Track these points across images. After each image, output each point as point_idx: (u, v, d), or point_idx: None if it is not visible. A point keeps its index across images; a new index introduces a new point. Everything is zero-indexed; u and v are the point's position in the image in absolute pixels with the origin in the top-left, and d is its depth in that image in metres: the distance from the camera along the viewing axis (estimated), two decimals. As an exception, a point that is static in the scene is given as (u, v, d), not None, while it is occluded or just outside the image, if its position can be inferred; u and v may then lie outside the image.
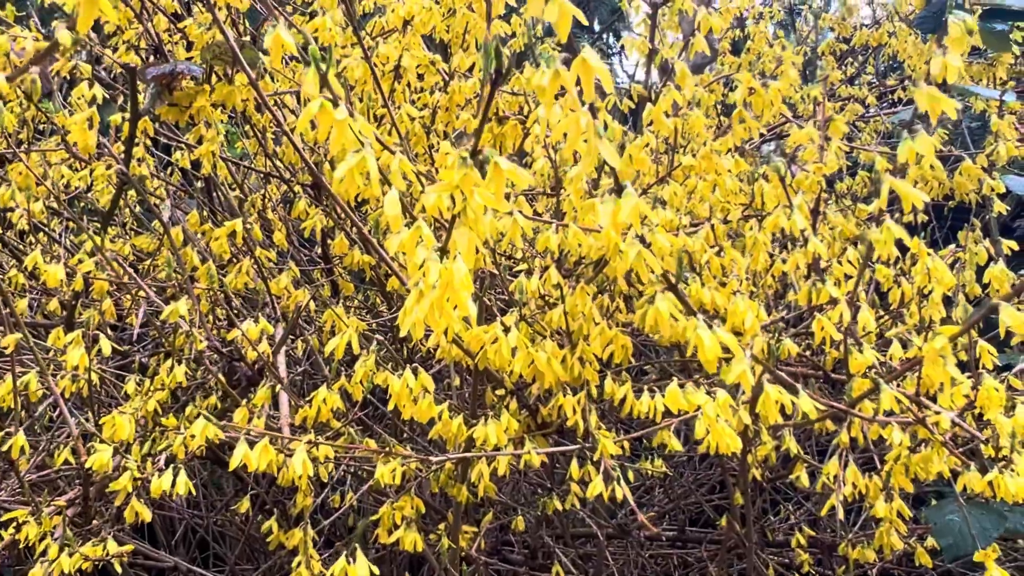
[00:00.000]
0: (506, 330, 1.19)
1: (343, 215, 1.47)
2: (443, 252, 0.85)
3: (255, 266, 1.55)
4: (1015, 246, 1.82)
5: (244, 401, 1.34)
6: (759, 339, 1.33)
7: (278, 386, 1.35)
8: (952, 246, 1.78)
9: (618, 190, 0.76)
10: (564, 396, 1.32)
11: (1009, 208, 1.85)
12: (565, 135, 0.74)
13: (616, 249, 1.24)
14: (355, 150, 0.82)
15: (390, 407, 1.23)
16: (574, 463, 1.29)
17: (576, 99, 0.67)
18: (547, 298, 1.47)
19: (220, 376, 1.49)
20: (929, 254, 1.55)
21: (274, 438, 1.18)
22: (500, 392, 1.42)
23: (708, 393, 1.13)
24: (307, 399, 1.35)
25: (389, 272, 1.42)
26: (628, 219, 0.75)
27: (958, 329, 1.11)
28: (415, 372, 1.22)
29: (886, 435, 1.36)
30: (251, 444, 1.16)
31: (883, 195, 1.13)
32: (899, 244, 1.77)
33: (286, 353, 1.55)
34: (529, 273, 1.37)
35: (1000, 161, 1.78)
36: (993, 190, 1.77)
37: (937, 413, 1.33)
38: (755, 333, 1.32)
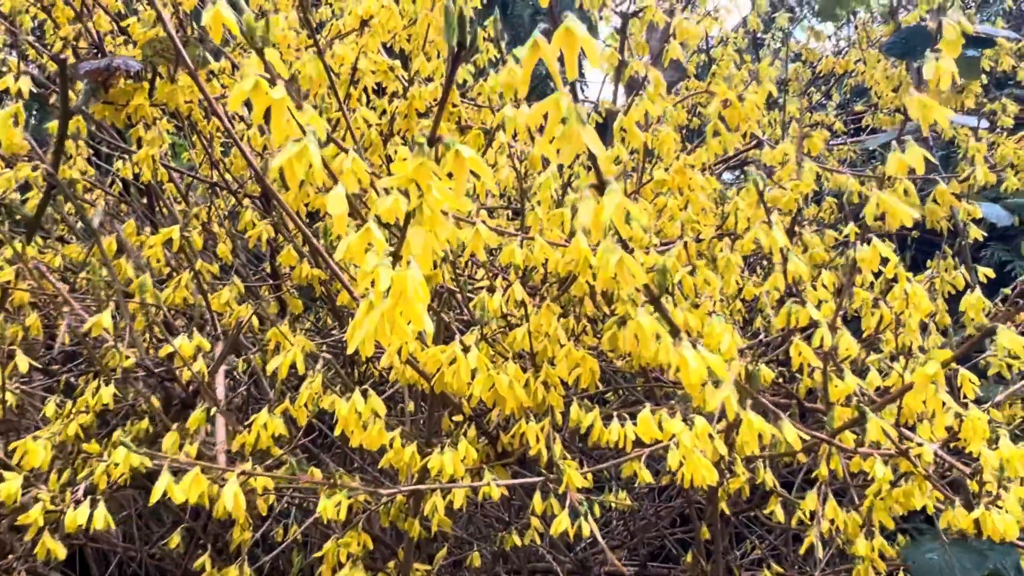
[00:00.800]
0: (466, 350, 1.09)
1: (290, 223, 1.36)
2: (395, 257, 0.75)
3: (195, 280, 1.43)
4: (991, 273, 1.77)
5: (175, 425, 1.21)
6: (736, 363, 1.25)
7: (214, 409, 1.24)
8: (929, 271, 1.72)
9: (600, 186, 0.67)
10: (527, 423, 1.22)
11: (985, 235, 1.80)
12: (532, 131, 0.65)
13: (586, 264, 1.16)
14: (296, 139, 0.72)
15: (337, 433, 1.12)
16: (537, 496, 1.19)
17: (557, 74, 0.58)
18: (509, 318, 1.38)
19: (152, 398, 1.37)
20: (908, 279, 1.49)
21: (207, 467, 1.07)
22: (458, 418, 1.32)
23: (684, 421, 1.04)
24: (246, 424, 1.23)
25: (340, 286, 1.31)
26: (612, 218, 0.66)
27: (950, 354, 1.04)
28: (365, 395, 1.11)
29: (867, 468, 1.29)
30: (181, 473, 1.05)
31: (870, 211, 1.06)
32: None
33: (227, 374, 1.43)
34: (491, 290, 1.28)
35: (977, 186, 1.74)
36: (970, 216, 1.72)
37: (919, 445, 1.25)
38: (732, 357, 1.24)
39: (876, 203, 1.05)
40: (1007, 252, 2.63)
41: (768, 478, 1.33)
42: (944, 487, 1.29)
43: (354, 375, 1.71)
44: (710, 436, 1.05)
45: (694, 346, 0.82)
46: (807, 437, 1.08)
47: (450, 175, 0.67)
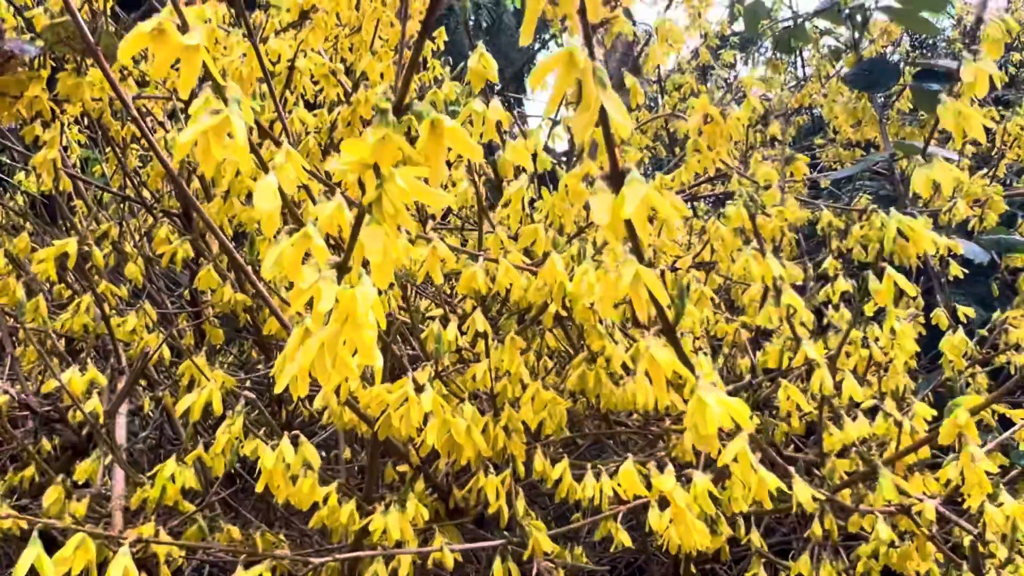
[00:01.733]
0: (418, 389, 0.92)
1: (211, 238, 1.17)
2: (342, 270, 0.58)
3: (97, 303, 1.23)
4: (971, 313, 1.68)
5: (59, 477, 1.00)
6: (724, 408, 1.10)
7: (110, 457, 1.03)
8: (911, 310, 1.61)
9: (616, 176, 0.51)
10: (485, 475, 1.05)
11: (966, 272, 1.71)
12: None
13: (561, 290, 1.00)
14: (214, 110, 0.55)
15: (260, 488, 0.93)
16: (497, 563, 1.01)
17: (574, 17, 0.42)
18: (464, 353, 1.21)
19: (43, 441, 1.15)
20: (898, 317, 1.38)
21: (95, 533, 0.86)
22: (403, 468, 1.14)
23: (678, 477, 0.89)
24: (150, 474, 1.03)
25: (268, 313, 1.12)
26: (634, 214, 0.50)
27: (980, 400, 0.91)
28: (295, 442, 0.93)
29: (867, 527, 1.15)
30: (66, 536, 0.84)
31: (889, 235, 0.93)
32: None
33: (132, 415, 1.22)
34: (444, 321, 1.11)
35: (956, 220, 1.64)
36: (951, 252, 1.62)
37: (919, 501, 1.12)
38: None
39: (896, 227, 0.92)
40: (961, 296, 2.56)
41: (755, 538, 1.18)
42: (947, 549, 1.15)
43: (281, 416, 1.52)
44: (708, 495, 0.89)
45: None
46: (820, 496, 0.93)
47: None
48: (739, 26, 3.43)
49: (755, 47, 3.64)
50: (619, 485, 0.99)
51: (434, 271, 0.94)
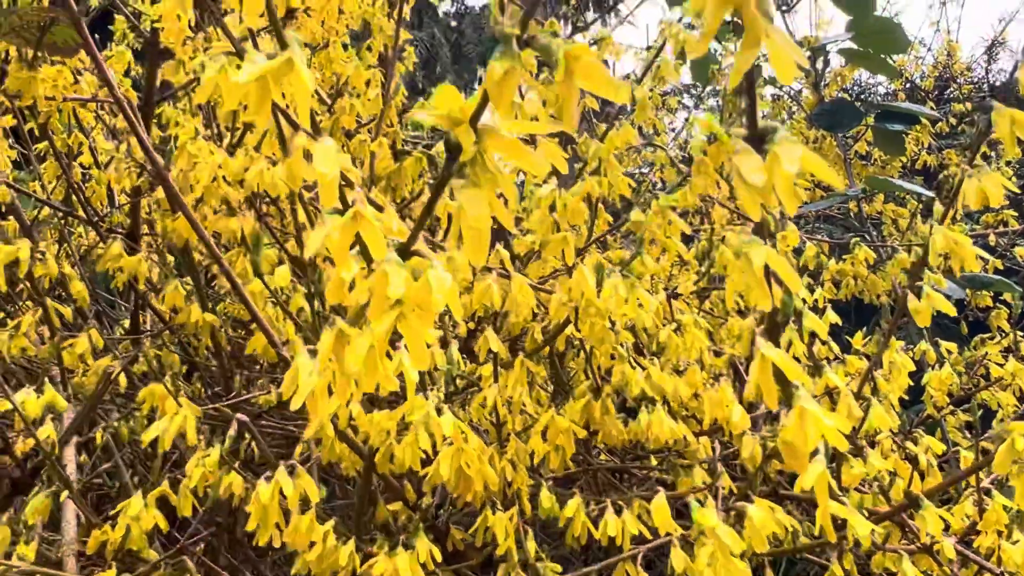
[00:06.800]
0: (438, 411, 0.82)
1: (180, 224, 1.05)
2: (405, 252, 0.49)
3: (44, 322, 1.09)
4: (953, 348, 1.66)
5: (5, 517, 0.86)
6: (748, 439, 1.03)
7: (64, 493, 0.89)
8: (902, 344, 1.58)
9: (758, 135, 0.44)
10: (492, 513, 0.95)
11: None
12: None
13: (589, 305, 0.92)
14: (270, 54, 0.45)
15: (251, 525, 0.81)
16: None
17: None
18: (458, 381, 1.12)
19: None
20: (898, 351, 1.34)
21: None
22: (394, 507, 1.03)
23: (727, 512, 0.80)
24: (109, 515, 0.90)
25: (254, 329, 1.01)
26: (785, 180, 0.43)
27: (1037, 426, 0.86)
28: (291, 471, 0.81)
29: (892, 567, 1.09)
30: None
31: (935, 249, 0.88)
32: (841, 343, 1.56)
33: (80, 447, 1.08)
34: (444, 343, 1.01)
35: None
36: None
37: (934, 540, 1.06)
38: (744, 431, 1.02)
39: (941, 241, 0.87)
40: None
41: (771, 581, 1.10)
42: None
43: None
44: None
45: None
46: (879, 531, 0.86)
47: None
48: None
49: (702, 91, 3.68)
50: (644, 523, 0.91)
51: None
